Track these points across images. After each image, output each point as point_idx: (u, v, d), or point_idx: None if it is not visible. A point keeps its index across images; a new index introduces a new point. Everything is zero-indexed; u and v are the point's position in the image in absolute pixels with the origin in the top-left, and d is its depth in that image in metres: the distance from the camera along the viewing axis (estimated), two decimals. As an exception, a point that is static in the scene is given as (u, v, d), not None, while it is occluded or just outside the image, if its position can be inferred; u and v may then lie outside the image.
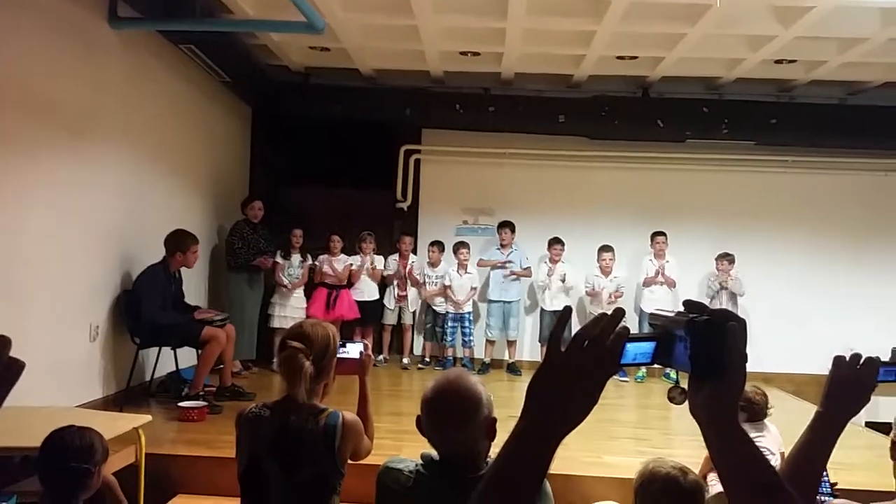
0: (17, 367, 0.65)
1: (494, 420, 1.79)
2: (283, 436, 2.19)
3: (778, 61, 6.69)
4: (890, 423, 2.03)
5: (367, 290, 7.54)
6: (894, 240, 8.09)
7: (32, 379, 0.63)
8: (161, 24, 5.51)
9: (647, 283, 7.61)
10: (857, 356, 1.24)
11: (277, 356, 2.35)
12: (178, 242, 5.53)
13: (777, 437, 3.66)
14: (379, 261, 7.60)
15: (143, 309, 5.24)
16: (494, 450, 1.74)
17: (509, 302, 7.68)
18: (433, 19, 5.81)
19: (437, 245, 7.77)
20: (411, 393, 6.63)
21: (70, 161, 4.71)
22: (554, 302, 7.58)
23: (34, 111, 4.31)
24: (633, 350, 0.88)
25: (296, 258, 7.25)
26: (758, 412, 3.64)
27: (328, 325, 2.39)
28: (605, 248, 7.58)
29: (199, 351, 5.52)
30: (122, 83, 5.34)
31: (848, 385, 1.23)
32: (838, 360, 1.25)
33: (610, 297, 7.42)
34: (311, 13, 4.90)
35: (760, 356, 7.15)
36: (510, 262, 7.64)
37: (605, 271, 7.57)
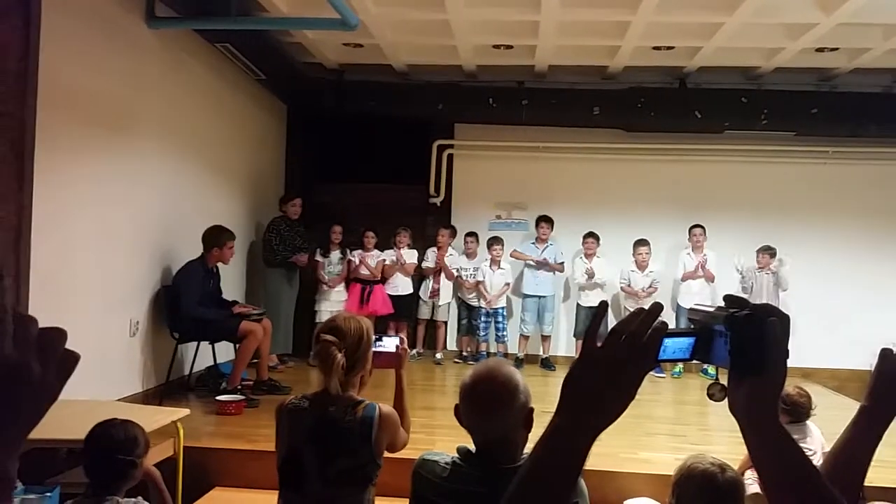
0: (72, 359, 0.67)
1: (532, 409, 1.79)
2: (321, 427, 2.23)
3: (819, 49, 6.54)
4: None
5: (401, 284, 7.59)
6: (942, 232, 7.86)
7: (75, 373, 0.65)
8: (197, 23, 5.59)
9: (686, 277, 7.51)
10: None
11: (312, 350, 2.40)
12: (215, 238, 5.62)
13: (819, 439, 3.57)
14: (410, 255, 7.62)
15: (183, 304, 5.33)
16: (531, 444, 1.74)
17: (544, 297, 7.65)
18: (466, 13, 5.80)
19: (474, 236, 7.78)
20: (444, 388, 6.65)
21: (110, 158, 4.81)
22: (590, 297, 7.53)
23: (76, 109, 4.41)
24: (672, 345, 0.86)
25: (335, 255, 7.35)
26: (802, 414, 3.54)
27: (362, 319, 2.41)
28: (641, 242, 7.50)
29: (237, 346, 5.59)
30: (161, 82, 5.43)
31: (895, 379, 1.19)
32: (885, 353, 1.20)
33: (642, 291, 7.34)
34: (345, 10, 4.92)
35: (800, 351, 7.02)
36: (544, 259, 7.60)
37: (641, 266, 7.49)
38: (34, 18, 3.91)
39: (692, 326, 0.93)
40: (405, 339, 2.69)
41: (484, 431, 1.80)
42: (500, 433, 1.77)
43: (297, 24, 6.00)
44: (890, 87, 7.50)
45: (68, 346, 0.66)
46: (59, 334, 0.65)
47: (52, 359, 0.64)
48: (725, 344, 0.88)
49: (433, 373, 7.30)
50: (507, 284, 7.68)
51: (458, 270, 7.73)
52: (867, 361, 7.52)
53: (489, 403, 1.77)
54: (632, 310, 0.88)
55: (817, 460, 3.21)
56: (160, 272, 5.52)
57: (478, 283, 7.61)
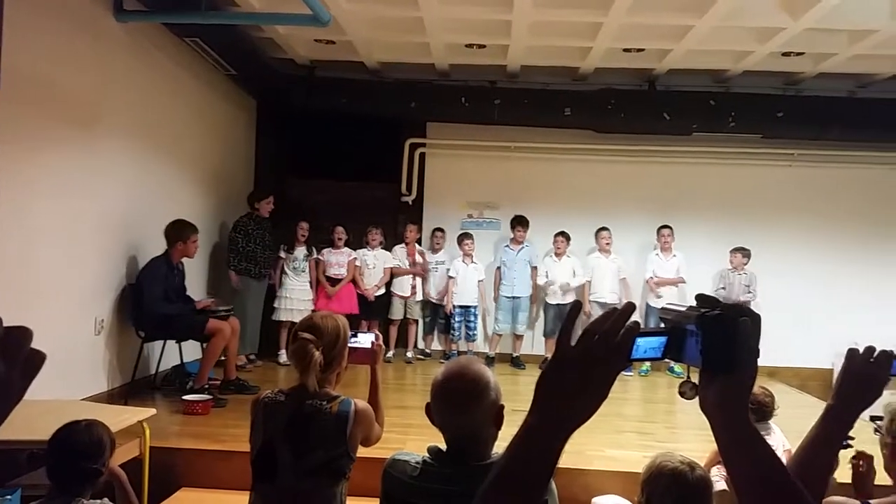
0: (38, 359, 0.66)
1: (502, 407, 1.81)
2: (296, 421, 2.26)
3: (786, 54, 6.65)
4: None
5: (371, 283, 7.52)
6: (901, 234, 8.05)
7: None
8: (166, 17, 5.50)
9: (658, 282, 7.60)
10: (870, 349, 1.23)
11: (289, 347, 2.41)
12: (178, 232, 5.53)
13: (781, 437, 3.65)
14: (384, 256, 7.59)
15: (145, 299, 5.24)
16: (500, 443, 1.75)
17: (519, 297, 7.68)
18: (439, 11, 5.79)
19: (441, 231, 7.82)
20: (415, 386, 6.64)
21: (75, 152, 4.72)
22: (557, 295, 7.59)
23: (40, 102, 4.32)
24: (644, 345, 0.87)
25: (300, 251, 7.25)
26: (766, 413, 3.59)
27: (339, 317, 2.45)
28: (602, 228, 7.71)
29: (204, 344, 5.52)
30: (128, 75, 5.34)
31: (861, 378, 1.21)
32: (852, 353, 1.23)
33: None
34: (317, 6, 4.89)
35: (766, 350, 7.08)
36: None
37: (604, 250, 7.64)
38: (-4, 9, 3.82)
39: (663, 326, 0.94)
40: (380, 335, 2.74)
41: (455, 428, 1.81)
42: (470, 430, 1.79)
43: (268, 19, 5.94)
44: (853, 91, 7.66)
45: (33, 345, 0.64)
46: (24, 334, 0.64)
47: (17, 359, 0.63)
48: (697, 343, 0.89)
49: (404, 371, 7.29)
50: (480, 281, 7.71)
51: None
52: (829, 360, 7.69)
53: (460, 400, 1.78)
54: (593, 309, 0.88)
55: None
56: (126, 269, 5.43)
57: (450, 279, 7.62)
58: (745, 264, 7.57)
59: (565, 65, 7.30)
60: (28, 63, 4.16)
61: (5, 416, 0.63)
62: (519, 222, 7.68)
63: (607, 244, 7.66)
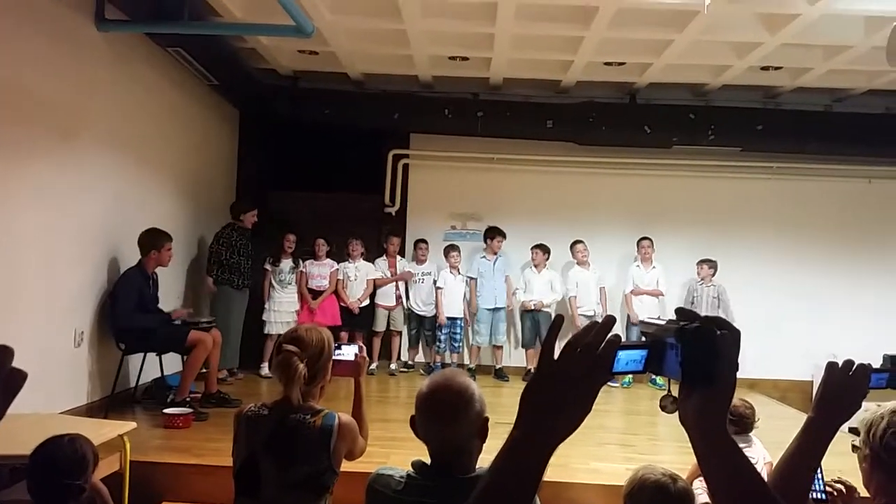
0: (20, 378, 0.65)
1: (487, 419, 1.81)
2: (280, 434, 2.24)
3: (764, 68, 6.75)
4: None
5: (355, 295, 7.50)
6: (877, 246, 8.17)
7: (17, 386, 0.64)
8: (148, 27, 5.47)
9: (636, 292, 7.65)
10: (849, 363, 1.25)
11: (273, 360, 2.39)
12: (152, 240, 5.46)
13: (762, 450, 3.67)
14: (366, 267, 7.58)
15: (118, 310, 5.18)
16: (485, 455, 1.75)
17: (500, 308, 7.69)
18: (422, 23, 5.82)
19: (423, 243, 7.80)
20: (399, 399, 6.61)
21: (55, 163, 4.67)
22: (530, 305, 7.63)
23: (19, 112, 4.27)
24: (625, 358, 0.87)
25: (286, 263, 7.21)
26: (747, 425, 3.62)
27: (323, 330, 2.45)
28: (577, 242, 7.72)
29: (185, 357, 5.47)
30: (109, 85, 5.30)
31: (840, 391, 1.24)
32: (831, 367, 1.25)
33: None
34: (301, 17, 4.89)
35: (745, 362, 7.12)
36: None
37: (583, 262, 7.66)
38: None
39: (644, 339, 0.95)
40: (364, 347, 2.73)
41: (439, 440, 1.81)
42: (455, 442, 1.78)
43: (251, 30, 5.94)
44: (830, 105, 7.79)
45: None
46: (5, 353, 0.64)
47: None
48: (677, 356, 0.89)
49: (387, 384, 7.26)
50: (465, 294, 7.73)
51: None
52: (808, 372, 7.77)
53: (445, 412, 1.78)
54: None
55: (759, 470, 3.29)
56: (106, 281, 5.37)
57: (437, 289, 7.63)
58: (713, 275, 7.62)
59: (547, 78, 7.36)
60: (7, 72, 4.12)
61: (-13, 435, 0.63)
62: (498, 232, 7.69)
63: (584, 257, 7.68)
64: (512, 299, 7.78)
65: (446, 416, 1.78)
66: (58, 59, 4.65)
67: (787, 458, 1.26)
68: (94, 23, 5.02)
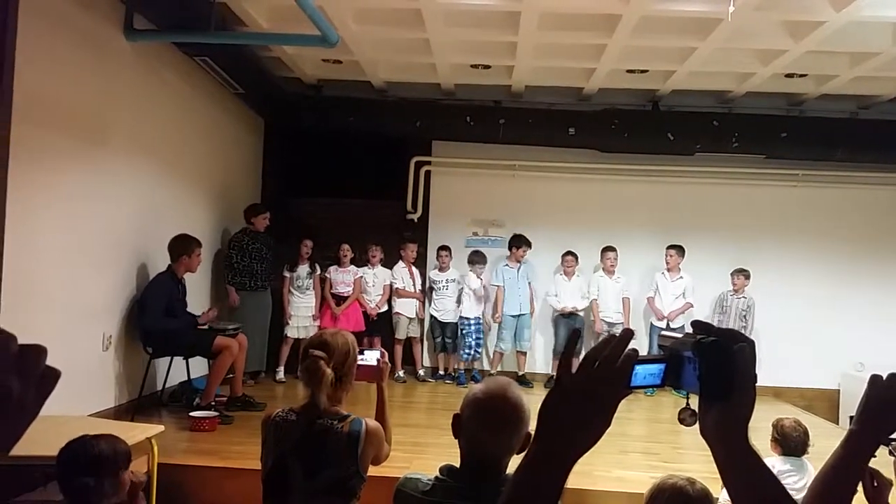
0: (53, 377, 0.66)
1: (530, 435, 1.80)
2: (308, 439, 2.26)
3: (789, 75, 6.70)
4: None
5: (374, 301, 7.55)
6: (906, 254, 8.05)
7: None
8: (176, 37, 5.54)
9: (669, 317, 7.54)
10: (893, 375, 1.24)
11: (300, 365, 2.41)
12: (183, 246, 5.56)
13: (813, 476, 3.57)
14: (384, 274, 7.63)
15: (147, 315, 5.26)
16: (510, 467, 1.76)
17: (524, 314, 7.71)
18: (445, 33, 5.86)
19: (447, 250, 7.82)
20: (420, 405, 6.63)
21: (84, 170, 4.77)
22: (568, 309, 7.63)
23: (50, 120, 4.37)
24: (643, 371, 0.88)
25: (303, 269, 7.27)
26: (793, 448, 3.36)
27: (347, 334, 2.47)
28: (609, 248, 7.70)
29: (211, 361, 5.54)
30: (136, 94, 5.40)
31: (884, 404, 1.23)
32: (875, 379, 1.24)
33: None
34: (326, 27, 4.95)
35: (771, 370, 7.12)
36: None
37: (609, 270, 7.65)
38: (10, 30, 3.87)
39: (661, 353, 0.96)
40: (385, 352, 2.73)
41: (482, 446, 1.80)
42: (496, 453, 1.79)
43: (277, 39, 6.00)
44: (856, 112, 7.70)
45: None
46: (39, 352, 0.64)
47: (32, 377, 0.63)
48: (694, 370, 0.90)
49: (409, 390, 7.28)
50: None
51: (430, 282, 7.85)
52: (835, 381, 7.67)
53: (497, 422, 1.78)
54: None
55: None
56: (134, 285, 5.46)
57: (460, 292, 7.70)
58: (747, 286, 7.56)
59: (569, 85, 7.37)
60: (39, 83, 4.21)
61: (21, 434, 0.63)
62: (524, 241, 7.70)
63: (612, 265, 7.67)
64: (534, 304, 7.79)
65: (497, 426, 1.78)
66: (87, 68, 4.74)
67: (826, 471, 1.25)
68: (122, 32, 5.11)
